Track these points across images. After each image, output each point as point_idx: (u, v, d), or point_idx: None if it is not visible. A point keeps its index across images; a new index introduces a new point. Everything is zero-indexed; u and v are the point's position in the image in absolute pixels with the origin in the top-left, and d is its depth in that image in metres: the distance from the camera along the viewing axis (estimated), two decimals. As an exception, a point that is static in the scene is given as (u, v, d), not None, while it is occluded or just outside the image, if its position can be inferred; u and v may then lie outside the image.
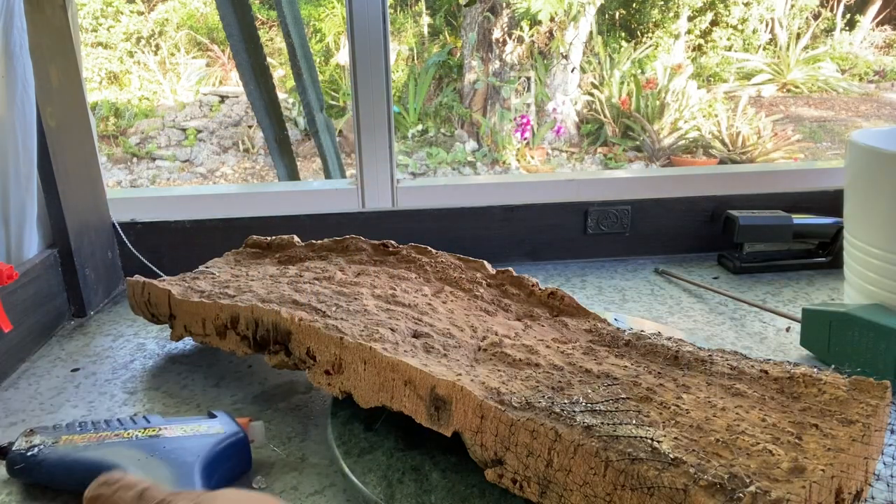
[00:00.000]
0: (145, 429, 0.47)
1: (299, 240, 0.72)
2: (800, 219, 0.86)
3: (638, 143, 4.46)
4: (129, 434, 0.46)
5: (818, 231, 0.86)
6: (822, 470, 0.32)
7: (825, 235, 0.86)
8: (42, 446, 0.46)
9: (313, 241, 0.71)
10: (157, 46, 5.62)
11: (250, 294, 0.57)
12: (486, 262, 0.62)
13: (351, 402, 0.51)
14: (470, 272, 0.61)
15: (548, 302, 0.56)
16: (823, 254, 0.87)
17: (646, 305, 0.78)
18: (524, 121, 4.38)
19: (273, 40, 5.31)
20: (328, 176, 1.48)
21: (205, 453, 0.44)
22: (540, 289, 0.57)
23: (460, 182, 0.96)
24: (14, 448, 0.47)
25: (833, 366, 0.60)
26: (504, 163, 4.28)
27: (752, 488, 0.30)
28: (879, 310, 0.59)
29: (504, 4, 4.73)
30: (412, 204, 0.93)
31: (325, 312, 0.52)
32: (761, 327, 0.71)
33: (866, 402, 0.38)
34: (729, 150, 4.02)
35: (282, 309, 0.52)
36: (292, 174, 1.47)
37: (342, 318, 0.51)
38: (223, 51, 5.41)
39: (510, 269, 0.61)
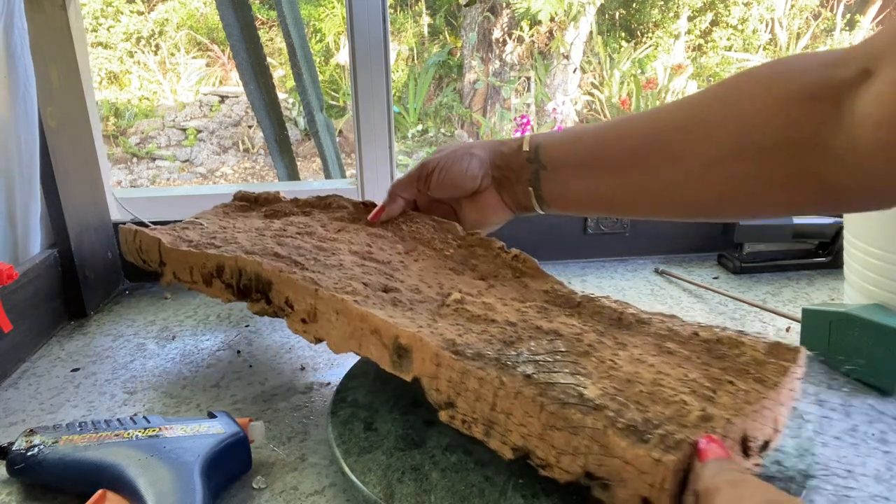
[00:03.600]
0: (145, 429, 0.47)
1: (285, 195, 0.76)
2: (800, 219, 0.86)
3: (638, 143, 4.45)
4: (129, 434, 0.46)
5: (818, 231, 0.86)
6: (727, 419, 0.35)
7: (825, 235, 0.86)
8: (42, 446, 0.46)
9: (297, 198, 0.74)
10: (157, 46, 5.63)
11: (235, 245, 0.60)
12: (457, 225, 0.64)
13: (351, 402, 0.52)
14: (442, 233, 0.64)
15: (511, 264, 0.59)
16: (823, 254, 0.87)
17: (646, 305, 0.78)
18: (524, 121, 4.38)
19: (273, 40, 5.31)
20: (328, 176, 1.48)
21: (205, 453, 0.44)
22: (505, 251, 0.60)
23: (460, 182, 0.96)
24: (14, 448, 0.47)
25: (843, 368, 0.60)
26: (504, 163, 4.27)
27: (660, 430, 0.34)
28: (879, 310, 0.59)
29: (504, 4, 4.73)
30: (412, 204, 0.93)
31: (303, 265, 0.55)
32: (761, 327, 0.71)
33: (780, 364, 0.41)
34: (729, 150, 4.02)
35: (264, 260, 0.55)
36: (292, 174, 1.48)
37: (319, 272, 0.53)
38: (223, 51, 5.41)
39: (479, 231, 0.62)
